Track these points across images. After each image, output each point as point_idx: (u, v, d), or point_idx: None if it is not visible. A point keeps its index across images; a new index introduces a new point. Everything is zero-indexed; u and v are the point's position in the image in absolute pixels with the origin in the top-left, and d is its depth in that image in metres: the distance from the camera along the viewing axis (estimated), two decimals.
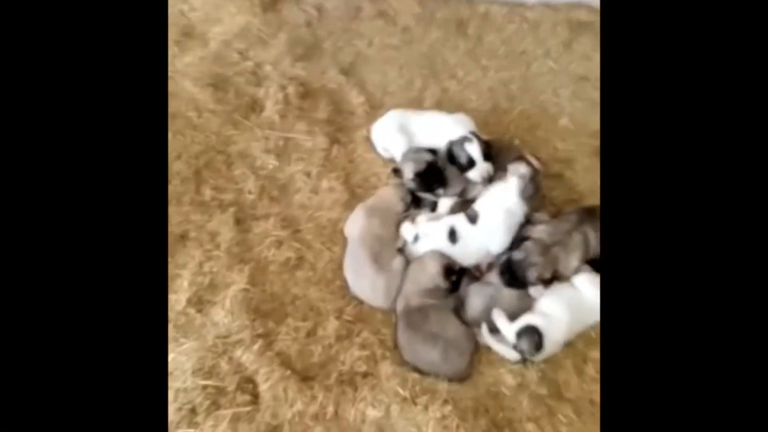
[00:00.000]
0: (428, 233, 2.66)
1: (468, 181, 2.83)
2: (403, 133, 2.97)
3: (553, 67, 3.38)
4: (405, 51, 3.56)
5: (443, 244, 2.63)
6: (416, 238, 2.66)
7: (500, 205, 2.64)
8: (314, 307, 2.55)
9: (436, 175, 2.81)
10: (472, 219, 2.65)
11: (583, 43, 3.46)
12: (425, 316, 2.47)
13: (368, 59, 3.55)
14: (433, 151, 2.87)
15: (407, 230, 2.70)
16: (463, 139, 2.79)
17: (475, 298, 2.54)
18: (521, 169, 2.68)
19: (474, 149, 2.76)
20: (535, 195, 2.69)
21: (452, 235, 2.63)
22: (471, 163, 2.76)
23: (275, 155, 3.03)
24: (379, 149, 3.07)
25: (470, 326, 2.50)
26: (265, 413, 2.18)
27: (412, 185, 2.82)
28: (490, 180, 2.77)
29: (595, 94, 3.24)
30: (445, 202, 2.83)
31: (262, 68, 3.41)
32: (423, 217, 2.77)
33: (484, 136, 2.83)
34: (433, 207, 2.86)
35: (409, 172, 2.81)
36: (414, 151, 2.88)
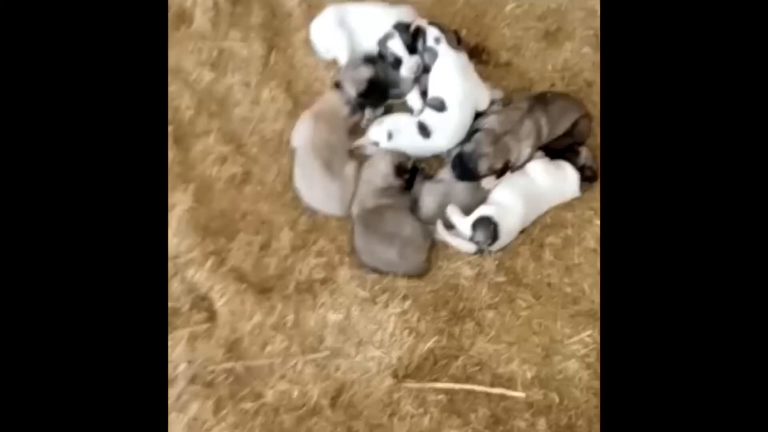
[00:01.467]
0: (400, 129, 2.58)
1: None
2: (343, 29, 2.79)
3: None
4: None
5: (417, 140, 2.57)
6: (390, 136, 2.57)
7: (449, 72, 2.56)
8: (266, 221, 2.48)
9: (379, 90, 2.69)
10: (439, 107, 2.55)
11: None
12: (381, 217, 2.44)
13: None
14: (372, 60, 2.71)
15: (378, 132, 2.60)
16: (386, 37, 2.64)
17: (428, 196, 2.50)
18: (432, 33, 2.60)
19: (396, 45, 2.62)
20: (459, 38, 2.67)
21: (424, 130, 2.56)
22: (398, 62, 2.64)
23: (210, 67, 2.84)
24: (321, 50, 2.90)
25: (426, 223, 2.47)
26: (223, 329, 2.17)
27: (359, 102, 2.70)
28: (425, 70, 2.65)
29: None
30: (413, 97, 2.70)
31: None
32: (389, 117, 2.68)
33: (414, 24, 2.66)
34: (386, 110, 2.75)
35: (351, 91, 2.68)
36: (352, 68, 2.72)
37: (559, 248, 2.43)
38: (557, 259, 2.41)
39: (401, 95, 2.75)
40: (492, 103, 2.62)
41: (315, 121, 2.63)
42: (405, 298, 2.22)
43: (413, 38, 2.62)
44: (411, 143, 2.58)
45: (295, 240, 2.43)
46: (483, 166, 2.42)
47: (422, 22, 2.66)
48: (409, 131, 2.58)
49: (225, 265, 2.31)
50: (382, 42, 2.67)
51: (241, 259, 2.35)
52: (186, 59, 2.86)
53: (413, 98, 2.69)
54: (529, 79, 2.82)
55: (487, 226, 2.33)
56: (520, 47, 2.90)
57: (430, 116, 2.57)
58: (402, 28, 2.65)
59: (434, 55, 2.59)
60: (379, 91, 2.70)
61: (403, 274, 2.35)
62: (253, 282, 2.31)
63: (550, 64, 2.85)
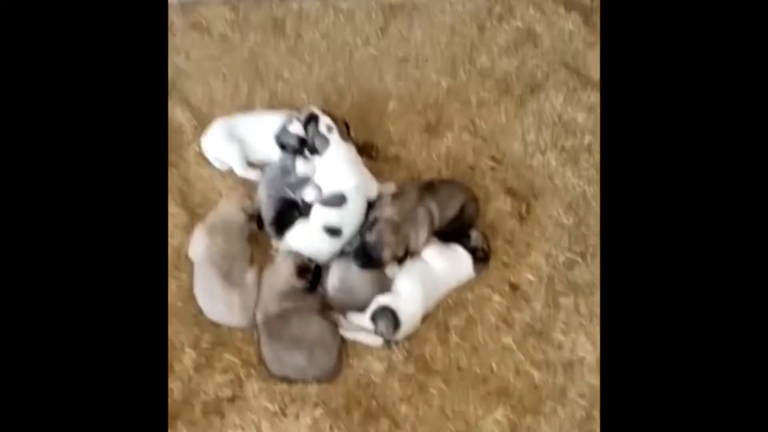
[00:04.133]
0: (308, 242, 2.59)
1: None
2: (232, 140, 2.88)
3: (374, 54, 3.43)
4: (225, 59, 3.44)
5: (328, 243, 2.58)
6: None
7: (340, 164, 2.66)
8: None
9: (287, 218, 2.72)
10: (339, 202, 2.60)
11: (398, 26, 3.51)
12: (286, 322, 2.41)
13: (188, 74, 3.39)
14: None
15: (305, 241, 2.61)
16: (285, 125, 2.75)
17: (333, 269, 2.55)
18: (325, 121, 2.71)
19: (298, 128, 2.73)
20: (348, 129, 2.80)
21: (333, 232, 2.58)
22: (303, 142, 2.73)
23: None
24: (214, 162, 2.95)
25: (334, 318, 2.46)
26: None
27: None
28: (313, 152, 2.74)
29: (417, 73, 3.34)
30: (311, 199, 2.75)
31: None
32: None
33: (308, 110, 2.78)
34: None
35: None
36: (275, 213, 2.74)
37: (464, 329, 2.49)
38: (463, 340, 2.46)
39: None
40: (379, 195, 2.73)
41: (210, 233, 2.62)
42: (316, 405, 2.18)
43: (306, 124, 2.73)
44: (322, 249, 2.59)
45: (198, 359, 2.36)
46: (387, 254, 2.48)
47: (315, 110, 2.78)
48: (317, 239, 2.59)
49: None
50: (283, 131, 2.75)
51: None
52: None
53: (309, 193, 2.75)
54: (416, 170, 2.96)
55: (387, 315, 2.36)
56: (405, 141, 3.07)
57: (331, 215, 2.60)
58: (298, 117, 2.76)
59: (325, 142, 2.69)
60: (289, 219, 2.72)
61: (313, 378, 2.31)
62: None
63: (435, 153, 3.03)
